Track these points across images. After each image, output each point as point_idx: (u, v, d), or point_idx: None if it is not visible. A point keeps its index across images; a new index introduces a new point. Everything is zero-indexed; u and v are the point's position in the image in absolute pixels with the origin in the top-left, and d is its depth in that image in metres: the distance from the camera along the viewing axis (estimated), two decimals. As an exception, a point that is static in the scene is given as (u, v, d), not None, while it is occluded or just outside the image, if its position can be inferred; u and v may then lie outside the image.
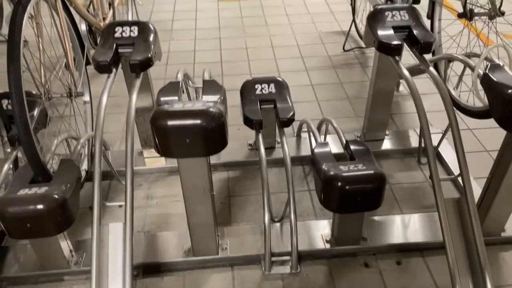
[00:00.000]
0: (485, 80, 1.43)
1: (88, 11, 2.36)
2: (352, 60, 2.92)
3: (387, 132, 2.18)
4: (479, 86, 1.58)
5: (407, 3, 2.27)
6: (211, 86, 1.44)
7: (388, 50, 1.65)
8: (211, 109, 1.27)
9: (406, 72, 1.59)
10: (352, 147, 1.60)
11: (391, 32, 1.68)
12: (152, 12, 3.63)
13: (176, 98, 1.36)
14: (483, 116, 1.65)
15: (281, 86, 1.96)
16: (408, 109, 2.44)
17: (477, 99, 1.63)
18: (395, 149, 2.13)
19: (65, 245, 1.60)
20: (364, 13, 2.94)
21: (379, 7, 1.79)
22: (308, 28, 3.33)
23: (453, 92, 1.87)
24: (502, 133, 1.44)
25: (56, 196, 1.38)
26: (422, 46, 1.63)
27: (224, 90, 1.45)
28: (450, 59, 1.83)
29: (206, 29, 3.37)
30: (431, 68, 1.59)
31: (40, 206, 1.36)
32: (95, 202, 1.39)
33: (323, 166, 1.49)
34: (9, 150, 1.73)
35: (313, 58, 2.95)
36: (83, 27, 2.31)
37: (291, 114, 1.81)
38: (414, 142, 2.15)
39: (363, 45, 2.99)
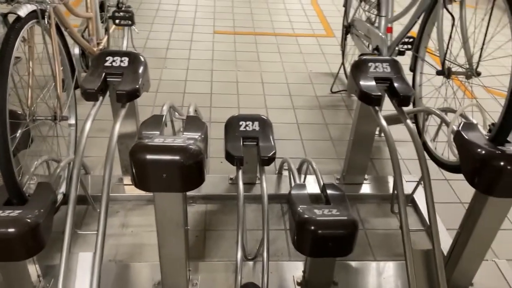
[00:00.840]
0: (458, 137, 1.49)
1: (83, 36, 2.41)
2: (338, 102, 2.99)
3: (366, 177, 2.22)
4: (453, 142, 1.64)
5: (393, 54, 2.37)
6: (193, 122, 1.47)
7: (368, 100, 1.71)
8: (190, 146, 1.30)
9: (383, 122, 1.65)
10: (328, 191, 1.63)
11: (373, 83, 1.74)
12: (148, 39, 3.71)
13: (157, 132, 1.38)
14: (456, 171, 1.70)
15: (265, 125, 2.00)
16: (388, 155, 2.48)
17: (451, 153, 1.69)
18: (372, 194, 2.16)
19: (33, 269, 1.58)
20: (353, 58, 3.05)
21: (363, 57, 1.86)
22: (299, 67, 3.42)
23: (430, 144, 1.93)
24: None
25: (28, 220, 1.37)
26: (401, 99, 1.69)
27: (206, 127, 1.48)
28: (428, 113, 1.89)
29: (199, 60, 3.44)
30: (408, 121, 1.65)
31: (11, 230, 1.35)
32: (66, 229, 1.39)
33: (298, 208, 1.51)
34: (-13, 169, 1.73)
35: (301, 97, 3.02)
36: (76, 50, 2.35)
37: (272, 153, 1.84)
38: (391, 188, 2.18)
39: (350, 88, 3.08)
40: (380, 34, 2.40)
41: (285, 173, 2.25)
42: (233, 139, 1.92)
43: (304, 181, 2.12)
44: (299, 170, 2.22)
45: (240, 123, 1.99)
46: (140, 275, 1.68)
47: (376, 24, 2.56)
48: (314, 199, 1.62)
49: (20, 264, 1.50)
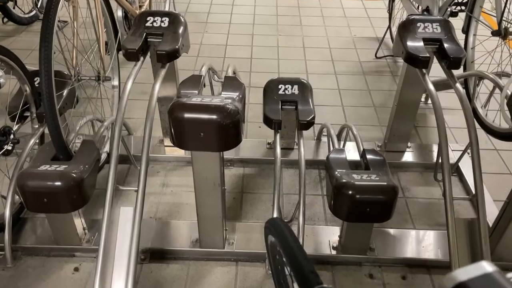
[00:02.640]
0: (512, 102, 1.39)
1: (125, -2, 2.42)
2: (383, 67, 2.87)
3: (409, 145, 2.14)
4: (506, 107, 1.53)
5: (444, 15, 2.22)
6: (231, 82, 1.46)
7: (415, 62, 1.62)
8: (227, 106, 1.29)
9: (431, 86, 1.56)
10: (368, 156, 1.59)
11: (421, 44, 1.64)
12: (190, 3, 3.69)
13: (196, 91, 1.38)
14: (508, 138, 1.59)
15: (305, 88, 1.95)
16: (434, 123, 2.37)
17: (504, 120, 1.58)
18: (415, 162, 2.09)
19: (79, 222, 1.66)
20: (400, 21, 2.88)
21: (412, 17, 1.75)
22: (342, 32, 3.29)
23: (480, 111, 1.81)
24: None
25: (73, 175, 1.44)
26: (451, 61, 1.59)
27: (244, 87, 1.46)
28: (480, 77, 1.77)
29: (240, 25, 3.39)
30: (458, 85, 1.55)
31: (57, 183, 1.42)
32: (109, 185, 1.44)
33: (336, 173, 1.48)
34: (36, 126, 1.81)
35: (344, 63, 2.92)
36: (119, 13, 2.38)
37: (311, 117, 1.80)
38: (435, 156, 2.09)
39: (396, 54, 2.94)
40: (431, -7, 2.25)
41: (324, 139, 2.21)
42: (272, 103, 1.89)
43: (344, 146, 2.07)
44: (338, 136, 2.17)
45: (279, 86, 1.95)
46: (178, 232, 1.73)
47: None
48: (353, 165, 1.58)
49: (66, 216, 1.58)
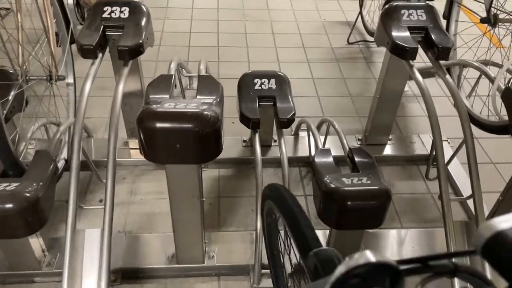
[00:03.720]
0: (507, 95, 1.31)
1: (76, -17, 2.16)
2: (356, 54, 2.77)
3: (390, 137, 2.05)
4: (497, 100, 1.46)
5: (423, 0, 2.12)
6: (207, 83, 1.29)
7: (402, 53, 1.51)
8: (205, 112, 1.13)
9: (420, 79, 1.46)
10: (356, 156, 1.47)
11: (407, 33, 1.53)
12: (147, -13, 3.41)
13: (167, 95, 1.21)
14: (499, 132, 1.53)
15: (282, 82, 1.82)
16: (413, 112, 2.31)
17: (494, 112, 1.52)
18: (397, 155, 2.01)
19: (37, 244, 1.47)
20: (372, 4, 2.78)
21: (395, 3, 1.64)
22: (312, 16, 3.16)
23: (465, 101, 1.74)
24: (510, 145, 1.32)
25: (27, 194, 1.24)
26: (439, 51, 1.49)
27: (222, 88, 1.30)
28: (465, 65, 1.69)
29: (204, 9, 3.18)
30: (448, 77, 1.46)
31: (8, 205, 1.22)
32: (70, 202, 1.26)
33: (325, 178, 1.36)
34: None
35: (316, 49, 2.79)
36: (70, 0, 2.12)
37: (291, 114, 1.68)
38: (417, 149, 2.03)
39: (369, 39, 2.84)
40: (408, -24, 2.14)
41: (302, 134, 2.09)
42: (248, 99, 1.74)
43: (324, 142, 1.96)
44: (318, 128, 2.05)
45: (255, 80, 1.80)
46: (152, 247, 1.57)
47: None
48: (338, 160, 1.47)
49: (21, 240, 1.38)
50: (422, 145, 2.04)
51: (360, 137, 2.06)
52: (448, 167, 1.86)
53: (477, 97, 1.76)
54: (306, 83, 2.50)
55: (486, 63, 1.61)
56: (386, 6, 1.65)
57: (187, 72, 2.02)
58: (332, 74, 2.58)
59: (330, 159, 1.45)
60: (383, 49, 2.45)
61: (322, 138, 2.01)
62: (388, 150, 2.02)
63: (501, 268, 0.35)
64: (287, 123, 1.67)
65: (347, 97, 2.41)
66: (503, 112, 1.47)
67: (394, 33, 1.54)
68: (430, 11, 1.62)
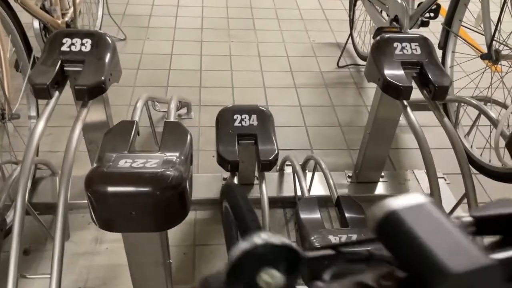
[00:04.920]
0: (513, 143, 1.17)
1: (43, 6, 2.00)
2: (346, 78, 2.63)
3: (382, 174, 1.90)
4: (501, 142, 1.32)
5: (415, 25, 1.98)
6: (172, 132, 1.12)
7: (396, 93, 1.36)
8: (167, 172, 0.96)
9: (415, 123, 1.31)
10: (344, 208, 1.32)
11: (400, 71, 1.39)
12: (128, 4, 3.26)
13: (125, 150, 1.04)
14: (502, 179, 1.39)
15: (265, 118, 1.65)
16: (407, 144, 2.17)
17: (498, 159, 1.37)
18: (389, 194, 1.85)
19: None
20: (363, 25, 2.65)
21: (387, 35, 1.49)
22: (300, 37, 3.02)
23: (463, 140, 1.60)
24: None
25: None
26: (435, 91, 1.34)
27: (191, 138, 1.13)
28: (463, 103, 1.55)
29: (187, 29, 3.02)
30: (446, 120, 1.31)
31: None
32: (10, 272, 1.08)
33: (311, 238, 1.20)
34: None
35: (304, 74, 2.65)
36: (35, 24, 1.95)
37: (273, 155, 1.51)
38: (412, 187, 1.88)
39: (359, 62, 2.71)
40: (400, 1, 2.01)
41: (288, 169, 1.93)
42: (226, 138, 1.58)
43: (311, 182, 1.81)
44: (303, 166, 1.90)
45: (235, 116, 1.64)
46: (115, 310, 1.39)
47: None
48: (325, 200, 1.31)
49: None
50: (417, 183, 1.89)
51: (350, 174, 1.91)
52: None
53: (478, 135, 1.61)
54: (293, 111, 2.35)
55: (487, 100, 1.47)
56: (378, 38, 1.50)
57: (161, 105, 1.85)
58: (321, 101, 2.43)
59: (316, 213, 1.29)
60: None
61: (309, 174, 1.86)
62: (380, 189, 1.87)
63: (394, 250, 0.33)
64: (269, 165, 1.50)
65: (336, 127, 2.26)
66: (507, 157, 1.32)
67: (387, 70, 1.39)
68: (425, 43, 1.48)
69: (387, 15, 2.20)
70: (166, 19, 3.12)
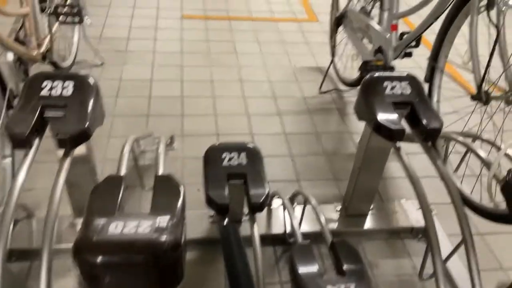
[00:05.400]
0: (508, 188, 1.17)
1: (18, 37, 1.91)
2: (329, 104, 2.62)
3: (371, 206, 1.89)
4: (494, 185, 1.32)
5: (400, 56, 2.00)
6: (164, 187, 1.07)
7: (388, 135, 1.35)
8: (161, 238, 0.90)
9: (409, 166, 1.30)
10: (341, 254, 1.28)
11: (393, 112, 1.37)
12: (104, 27, 3.18)
13: (113, 211, 0.97)
14: (495, 219, 1.39)
15: (254, 156, 1.61)
16: (394, 172, 2.17)
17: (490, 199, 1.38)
18: (379, 229, 1.84)
19: None
20: (345, 50, 2.66)
21: (376, 74, 1.49)
22: (282, 61, 3.01)
23: (454, 178, 1.60)
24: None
25: None
26: (427, 134, 1.34)
27: (183, 191, 1.08)
28: (452, 140, 1.56)
29: (166, 53, 2.96)
30: (440, 163, 1.31)
31: None
32: None
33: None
34: None
35: (287, 99, 2.63)
36: (8, 57, 1.86)
37: (264, 197, 1.47)
38: (401, 220, 1.87)
39: (341, 87, 2.71)
40: (383, 33, 2.02)
41: (277, 202, 1.89)
42: (215, 178, 1.53)
43: (302, 216, 1.77)
44: (292, 200, 1.86)
45: (223, 155, 1.59)
46: None
47: (376, 18, 2.17)
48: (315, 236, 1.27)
49: None
50: (405, 215, 1.89)
51: (338, 208, 1.89)
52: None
53: (467, 171, 1.62)
54: (278, 140, 2.32)
55: (476, 137, 1.47)
56: (367, 77, 1.49)
57: (144, 148, 1.79)
58: (305, 128, 2.41)
59: (314, 263, 1.25)
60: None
61: (298, 208, 1.83)
62: (369, 223, 1.85)
63: None
64: (260, 207, 1.46)
65: (321, 156, 2.24)
66: (498, 197, 1.33)
67: (379, 112, 1.38)
68: (414, 82, 1.48)
69: (366, 40, 2.21)
70: (144, 42, 3.05)
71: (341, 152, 2.27)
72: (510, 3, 1.34)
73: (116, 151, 2.14)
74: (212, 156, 1.59)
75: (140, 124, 2.32)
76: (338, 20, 2.51)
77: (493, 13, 1.37)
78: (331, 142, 2.34)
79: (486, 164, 1.36)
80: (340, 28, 2.58)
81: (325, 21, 3.12)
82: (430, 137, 1.35)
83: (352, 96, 2.68)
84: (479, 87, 1.42)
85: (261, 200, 1.46)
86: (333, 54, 2.65)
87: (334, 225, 1.84)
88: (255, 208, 1.46)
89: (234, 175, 1.55)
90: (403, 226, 1.84)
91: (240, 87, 2.70)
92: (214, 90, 2.66)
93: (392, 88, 1.46)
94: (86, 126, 1.23)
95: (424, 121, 1.36)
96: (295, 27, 3.44)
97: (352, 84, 2.53)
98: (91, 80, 1.36)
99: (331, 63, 2.68)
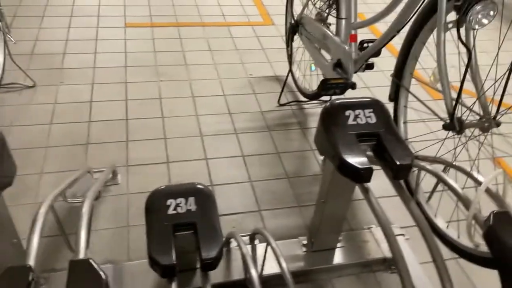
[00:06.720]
0: (491, 235, 1.02)
1: None
2: (289, 118, 2.44)
3: (340, 237, 1.72)
4: (474, 225, 1.17)
5: (360, 69, 1.83)
6: (80, 282, 0.84)
7: (355, 176, 1.18)
8: None
9: (380, 211, 1.13)
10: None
11: (358, 149, 1.20)
12: (37, 41, 2.85)
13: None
14: (475, 262, 1.25)
15: (205, 199, 1.41)
16: (358, 194, 2.01)
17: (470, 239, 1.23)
18: (350, 263, 1.68)
19: None
20: (303, 56, 2.48)
21: (336, 102, 1.31)
22: (236, 71, 2.79)
23: (425, 207, 1.46)
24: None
25: None
26: (398, 171, 1.18)
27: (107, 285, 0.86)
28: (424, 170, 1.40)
29: (108, 69, 2.68)
30: (413, 205, 1.15)
31: None
32: None
33: None
34: None
35: (243, 115, 2.42)
36: None
37: (218, 250, 1.27)
38: (372, 250, 1.72)
39: (301, 98, 2.53)
40: (342, 44, 1.85)
41: (234, 244, 1.69)
42: (159, 232, 1.31)
43: (265, 256, 1.58)
44: (252, 239, 1.67)
45: (168, 202, 1.38)
46: None
47: (333, 27, 2.00)
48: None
49: None
50: (377, 244, 1.74)
51: (305, 242, 1.71)
52: None
53: (441, 201, 1.48)
54: (235, 163, 2.11)
55: (449, 165, 1.32)
56: (327, 105, 1.31)
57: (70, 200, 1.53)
58: (265, 148, 2.22)
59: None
60: (318, 111, 2.12)
61: (261, 247, 1.64)
62: (339, 257, 1.69)
63: None
64: (213, 264, 1.26)
65: (283, 180, 2.05)
66: (478, 236, 1.19)
67: (342, 148, 1.20)
68: (379, 109, 1.31)
69: (328, 53, 2.04)
70: (83, 57, 2.75)
71: (304, 174, 2.09)
72: (483, 21, 1.19)
73: (50, 190, 1.87)
74: (154, 205, 1.37)
75: (78, 154, 2.06)
76: (293, 28, 2.32)
77: (463, 31, 1.22)
78: (293, 162, 2.16)
79: (463, 200, 1.22)
80: (296, 36, 2.40)
81: (282, 23, 2.92)
82: (400, 174, 1.19)
83: (313, 107, 2.51)
84: (452, 114, 1.26)
85: (213, 255, 1.27)
86: (290, 63, 2.46)
87: (300, 264, 1.66)
88: (207, 265, 1.27)
89: (182, 226, 1.34)
90: (374, 258, 1.69)
91: (192, 104, 2.47)
92: (162, 108, 2.41)
93: (356, 117, 1.28)
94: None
95: (393, 156, 1.20)
96: (249, 32, 3.23)
97: (312, 97, 2.36)
98: (-7, 132, 1.10)
99: (288, 72, 2.49)
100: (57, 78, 2.54)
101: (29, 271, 0.84)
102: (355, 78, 1.90)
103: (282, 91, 2.53)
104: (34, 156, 2.02)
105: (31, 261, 0.91)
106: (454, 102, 1.25)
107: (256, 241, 1.70)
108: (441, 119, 1.31)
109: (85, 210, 1.14)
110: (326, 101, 2.45)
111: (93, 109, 2.36)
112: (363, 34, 2.13)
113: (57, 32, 2.97)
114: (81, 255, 0.94)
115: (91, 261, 0.89)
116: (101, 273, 0.87)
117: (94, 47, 2.86)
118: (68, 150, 2.08)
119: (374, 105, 1.32)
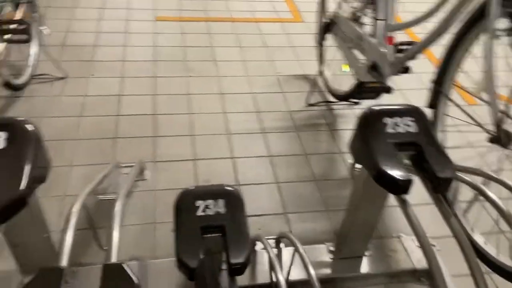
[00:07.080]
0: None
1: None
2: (317, 119, 2.40)
3: (368, 246, 1.68)
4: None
5: (397, 72, 1.78)
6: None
7: (394, 188, 1.14)
8: None
9: (419, 228, 1.09)
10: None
11: (397, 159, 1.15)
12: (68, 32, 2.88)
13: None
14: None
15: (234, 202, 1.38)
16: (390, 201, 1.96)
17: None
18: (378, 273, 1.64)
19: None
20: (334, 56, 2.43)
21: (375, 108, 1.26)
22: (265, 69, 2.76)
23: (462, 221, 1.40)
24: None
25: None
26: (439, 184, 1.13)
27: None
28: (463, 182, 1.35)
29: (138, 62, 2.69)
30: (454, 221, 1.10)
31: None
32: None
33: None
34: None
35: (271, 114, 2.39)
36: None
37: (245, 256, 1.25)
38: (401, 260, 1.67)
39: (331, 99, 2.48)
40: (378, 47, 1.79)
41: (259, 246, 1.67)
42: (188, 234, 1.30)
43: (292, 261, 1.56)
44: (277, 243, 1.64)
45: (197, 203, 1.36)
46: None
47: (368, 28, 1.94)
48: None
49: None
50: (406, 254, 1.69)
51: (332, 248, 1.67)
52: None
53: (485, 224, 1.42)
54: (262, 164, 2.09)
55: (490, 178, 1.27)
56: (365, 111, 1.26)
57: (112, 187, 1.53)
58: (292, 149, 2.19)
59: None
60: (348, 113, 2.05)
61: (287, 252, 1.62)
62: (366, 266, 1.65)
63: None
64: (240, 269, 1.24)
65: (311, 182, 2.02)
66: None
67: (380, 158, 1.15)
68: (419, 117, 1.26)
69: (362, 54, 1.98)
70: (113, 50, 2.76)
71: (332, 177, 2.05)
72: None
73: (79, 183, 1.89)
74: (184, 205, 1.35)
75: (106, 148, 2.07)
76: (326, 27, 2.26)
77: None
78: (320, 164, 2.12)
79: (505, 216, 1.16)
80: (329, 35, 2.34)
81: (312, 20, 2.87)
82: (442, 188, 1.14)
83: (343, 108, 2.46)
84: (498, 126, 1.20)
85: (241, 260, 1.24)
86: (321, 62, 2.41)
87: (327, 271, 1.63)
88: (236, 270, 1.24)
89: (210, 228, 1.32)
90: (404, 268, 1.65)
91: (220, 101, 2.45)
92: (191, 105, 2.40)
93: (395, 125, 1.24)
94: (21, 189, 0.98)
95: (434, 168, 1.15)
96: (278, 29, 3.19)
97: (342, 98, 2.30)
98: (30, 128, 1.10)
99: (319, 72, 2.44)
100: (87, 70, 2.56)
101: (62, 273, 0.84)
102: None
103: (311, 91, 2.48)
104: (64, 148, 2.04)
105: (64, 262, 0.91)
106: (501, 114, 1.19)
107: (282, 245, 1.67)
108: (487, 131, 1.25)
109: (118, 209, 1.14)
110: (356, 103, 2.40)
111: (122, 102, 2.36)
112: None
113: (88, 24, 2.99)
114: (114, 258, 0.93)
115: (124, 265, 0.88)
116: (134, 278, 0.85)
117: (124, 40, 2.87)
118: (97, 143, 2.09)
119: (415, 113, 1.27)
